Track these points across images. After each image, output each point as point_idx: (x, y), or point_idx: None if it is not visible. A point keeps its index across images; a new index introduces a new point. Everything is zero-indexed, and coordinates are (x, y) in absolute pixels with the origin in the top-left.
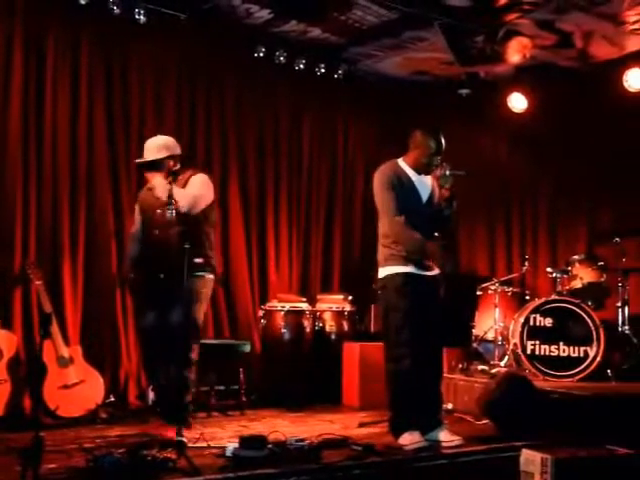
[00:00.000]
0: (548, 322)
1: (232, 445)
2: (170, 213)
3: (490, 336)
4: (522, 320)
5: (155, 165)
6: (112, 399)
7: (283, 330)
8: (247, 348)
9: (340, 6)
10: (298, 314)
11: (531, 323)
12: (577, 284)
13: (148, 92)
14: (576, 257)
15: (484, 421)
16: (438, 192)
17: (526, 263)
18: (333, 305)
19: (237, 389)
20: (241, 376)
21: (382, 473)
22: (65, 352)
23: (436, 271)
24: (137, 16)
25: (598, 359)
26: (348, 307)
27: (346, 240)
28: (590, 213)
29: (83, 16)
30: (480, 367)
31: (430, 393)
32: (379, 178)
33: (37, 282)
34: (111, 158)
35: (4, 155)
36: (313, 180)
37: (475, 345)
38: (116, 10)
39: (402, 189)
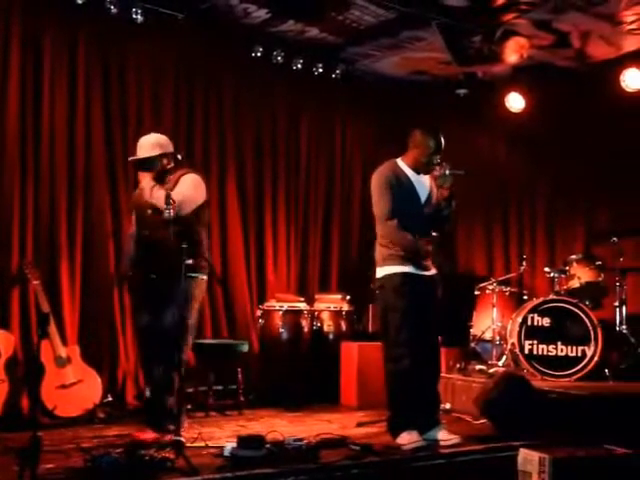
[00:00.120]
0: (546, 322)
1: (230, 445)
2: (168, 213)
3: (488, 336)
4: (520, 320)
5: (148, 163)
6: (110, 399)
7: (281, 330)
8: (245, 348)
9: (338, 6)
10: (296, 314)
11: (529, 323)
12: (575, 284)
13: (146, 92)
14: (574, 257)
15: (482, 421)
16: (436, 192)
17: (524, 263)
18: (331, 305)
19: (235, 389)
20: (239, 376)
21: (380, 473)
22: (63, 352)
23: (434, 271)
24: (134, 16)
25: (596, 359)
26: (346, 307)
27: (344, 240)
28: (588, 213)
29: (80, 16)
30: (478, 367)
31: (428, 393)
32: (377, 179)
33: (35, 282)
34: (108, 158)
35: (2, 155)
36: (311, 180)
37: (473, 345)
38: (113, 10)
39: (400, 189)
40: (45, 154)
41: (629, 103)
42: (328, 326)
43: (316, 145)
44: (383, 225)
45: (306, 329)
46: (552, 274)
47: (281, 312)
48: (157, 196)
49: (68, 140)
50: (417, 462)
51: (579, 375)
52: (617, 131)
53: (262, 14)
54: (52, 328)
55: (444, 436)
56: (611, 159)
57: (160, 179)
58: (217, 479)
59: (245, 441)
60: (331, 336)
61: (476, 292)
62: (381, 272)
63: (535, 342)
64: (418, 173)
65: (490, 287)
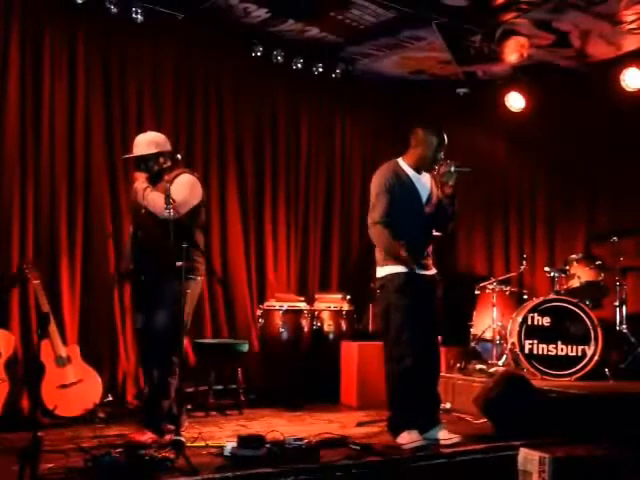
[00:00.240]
0: (546, 321)
1: (230, 444)
2: (168, 213)
3: (488, 335)
4: (520, 319)
5: (144, 161)
6: (110, 398)
7: (281, 329)
8: (245, 347)
9: (338, 5)
10: (296, 313)
11: (529, 322)
12: (575, 283)
13: (146, 92)
14: (574, 256)
15: (482, 420)
16: (437, 191)
17: (524, 262)
18: (331, 304)
19: (235, 388)
20: (239, 375)
21: (380, 472)
22: (63, 352)
23: (434, 271)
24: (134, 15)
25: (596, 358)
26: (346, 306)
27: (344, 239)
28: (588, 212)
29: (80, 15)
30: (478, 366)
31: (429, 392)
32: (376, 180)
33: (35, 282)
34: (109, 158)
35: (2, 155)
36: (311, 179)
37: (473, 344)
38: (113, 9)
39: (401, 189)
40: (45, 154)
41: (629, 102)
42: (328, 326)
43: (316, 145)
44: (373, 227)
45: (306, 329)
46: (552, 274)
47: (281, 312)
48: (150, 199)
49: (68, 140)
50: (417, 462)
51: (579, 375)
52: (617, 130)
53: (262, 14)
54: (52, 328)
55: (444, 436)
56: (611, 158)
57: (155, 180)
58: (217, 479)
59: (245, 441)
60: (331, 336)
61: (476, 291)
62: (382, 272)
63: (535, 342)
64: (419, 173)
65: (490, 286)
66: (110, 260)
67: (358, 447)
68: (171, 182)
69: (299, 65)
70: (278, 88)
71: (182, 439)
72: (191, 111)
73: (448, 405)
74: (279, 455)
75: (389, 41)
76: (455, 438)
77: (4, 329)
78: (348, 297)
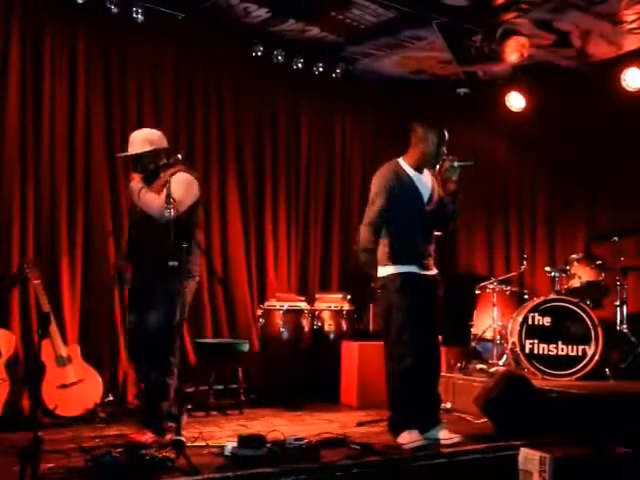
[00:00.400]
0: (546, 321)
1: (231, 444)
2: (168, 213)
3: (489, 335)
4: (520, 319)
5: (139, 160)
6: (111, 398)
7: (282, 329)
8: (246, 347)
9: (338, 5)
10: (297, 313)
11: (529, 322)
12: (575, 283)
13: (146, 91)
14: (574, 256)
15: (483, 420)
16: (438, 190)
17: (524, 262)
18: (332, 304)
19: (236, 388)
20: (240, 375)
21: (381, 472)
22: (63, 351)
23: (435, 271)
24: (135, 15)
25: (596, 358)
26: (347, 306)
27: (344, 239)
28: (588, 212)
29: (80, 15)
30: (479, 366)
31: (429, 392)
32: (376, 181)
33: (35, 281)
34: (109, 157)
35: (2, 155)
36: (311, 179)
37: (474, 344)
38: (114, 9)
39: (401, 189)
40: (45, 153)
41: (630, 102)
42: (329, 325)
43: (316, 144)
44: (362, 226)
45: (307, 328)
46: (553, 273)
47: (282, 311)
48: (145, 201)
49: (68, 139)
50: (418, 462)
51: (580, 374)
52: (617, 130)
53: (262, 13)
54: (53, 327)
55: (445, 435)
56: (612, 158)
57: (151, 179)
58: (218, 478)
59: (246, 440)
60: (332, 335)
61: (477, 291)
62: (383, 272)
63: (536, 341)
64: (420, 172)
65: (491, 286)
66: (110, 260)
67: (358, 447)
68: (166, 181)
69: (299, 65)
70: (278, 88)
71: (182, 439)
72: (191, 111)
73: (448, 405)
74: (279, 455)
75: (389, 41)
76: (455, 438)
77: (5, 329)
78: (349, 297)
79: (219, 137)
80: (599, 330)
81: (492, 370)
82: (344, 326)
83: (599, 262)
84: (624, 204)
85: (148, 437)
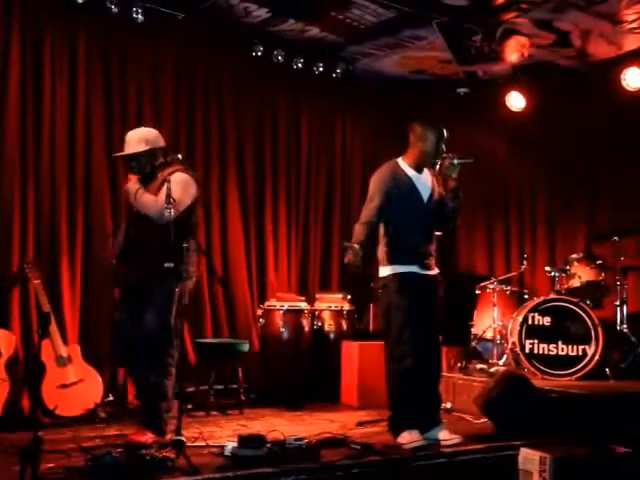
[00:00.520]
0: (546, 321)
1: (231, 444)
2: (168, 214)
3: (489, 335)
4: (521, 319)
5: (135, 160)
6: (111, 398)
7: (282, 329)
8: (246, 347)
9: (338, 5)
10: (297, 313)
11: (530, 322)
12: (575, 283)
13: (146, 91)
14: (574, 256)
15: (483, 420)
16: (438, 189)
17: (524, 262)
18: (332, 304)
19: (236, 388)
20: (240, 375)
21: (381, 472)
22: (64, 351)
23: (436, 270)
24: (135, 15)
25: (596, 358)
26: (347, 306)
27: (345, 239)
28: (588, 212)
29: (81, 15)
30: (479, 366)
31: (429, 392)
32: (374, 181)
33: (35, 281)
34: (109, 157)
35: (2, 155)
36: (311, 179)
37: (474, 344)
38: (114, 9)
39: (400, 189)
40: (45, 153)
41: (630, 102)
42: (329, 325)
43: (316, 144)
44: (358, 224)
45: (307, 328)
46: (553, 273)
47: (282, 311)
48: (141, 202)
49: (68, 139)
50: (418, 462)
51: (580, 374)
52: (618, 130)
53: (262, 13)
54: (53, 327)
55: (445, 435)
56: (612, 157)
57: (148, 179)
58: (218, 478)
59: (246, 440)
60: (332, 335)
61: (477, 291)
62: (384, 272)
63: (536, 341)
64: (420, 171)
65: (491, 286)
66: (110, 259)
67: (358, 447)
68: (163, 181)
69: (299, 65)
70: (278, 88)
71: (183, 439)
72: (191, 111)
73: (449, 405)
74: (280, 455)
75: (389, 41)
76: (456, 438)
77: (5, 329)
78: (349, 297)
79: (219, 137)
80: (599, 330)
81: (492, 370)
82: (344, 326)
83: (599, 262)
84: (624, 204)
85: (148, 437)
